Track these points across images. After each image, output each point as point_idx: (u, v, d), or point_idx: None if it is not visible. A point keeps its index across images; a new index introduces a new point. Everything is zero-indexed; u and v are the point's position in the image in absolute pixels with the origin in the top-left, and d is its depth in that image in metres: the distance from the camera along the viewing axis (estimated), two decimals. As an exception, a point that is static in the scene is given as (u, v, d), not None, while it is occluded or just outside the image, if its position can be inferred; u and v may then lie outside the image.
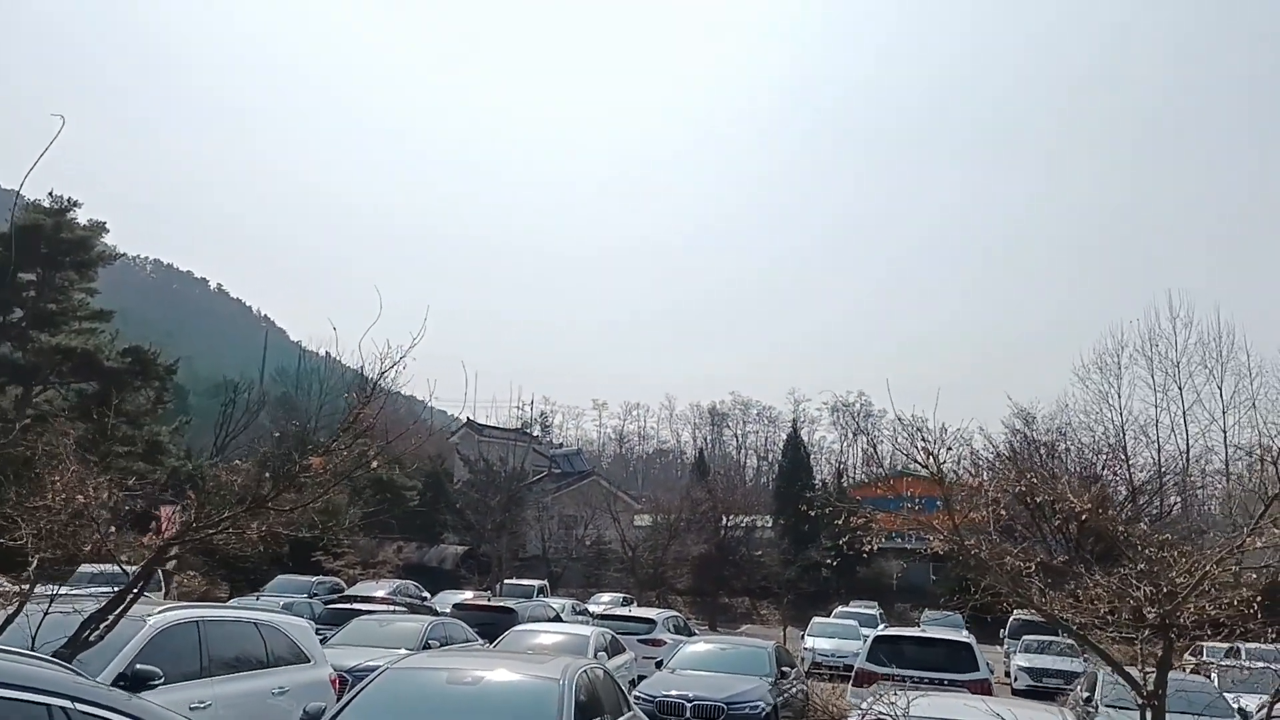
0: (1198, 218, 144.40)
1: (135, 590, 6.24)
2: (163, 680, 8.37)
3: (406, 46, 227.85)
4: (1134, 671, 6.87)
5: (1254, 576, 6.37)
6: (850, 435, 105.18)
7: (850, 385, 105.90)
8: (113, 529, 7.74)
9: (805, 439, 73.81)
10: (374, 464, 6.51)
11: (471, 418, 70.08)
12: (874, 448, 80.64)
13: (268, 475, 6.48)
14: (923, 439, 7.54)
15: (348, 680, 12.26)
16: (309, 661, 10.92)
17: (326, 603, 30.02)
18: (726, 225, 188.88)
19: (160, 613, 9.00)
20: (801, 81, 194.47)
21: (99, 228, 42.47)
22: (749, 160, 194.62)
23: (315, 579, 38.03)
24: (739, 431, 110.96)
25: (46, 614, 6.27)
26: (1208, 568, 6.13)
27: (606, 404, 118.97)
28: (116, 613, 6.40)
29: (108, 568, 24.93)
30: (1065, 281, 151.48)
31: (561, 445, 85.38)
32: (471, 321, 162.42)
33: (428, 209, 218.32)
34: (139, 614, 8.89)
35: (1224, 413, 48.19)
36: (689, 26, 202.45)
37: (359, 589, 35.58)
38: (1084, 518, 7.30)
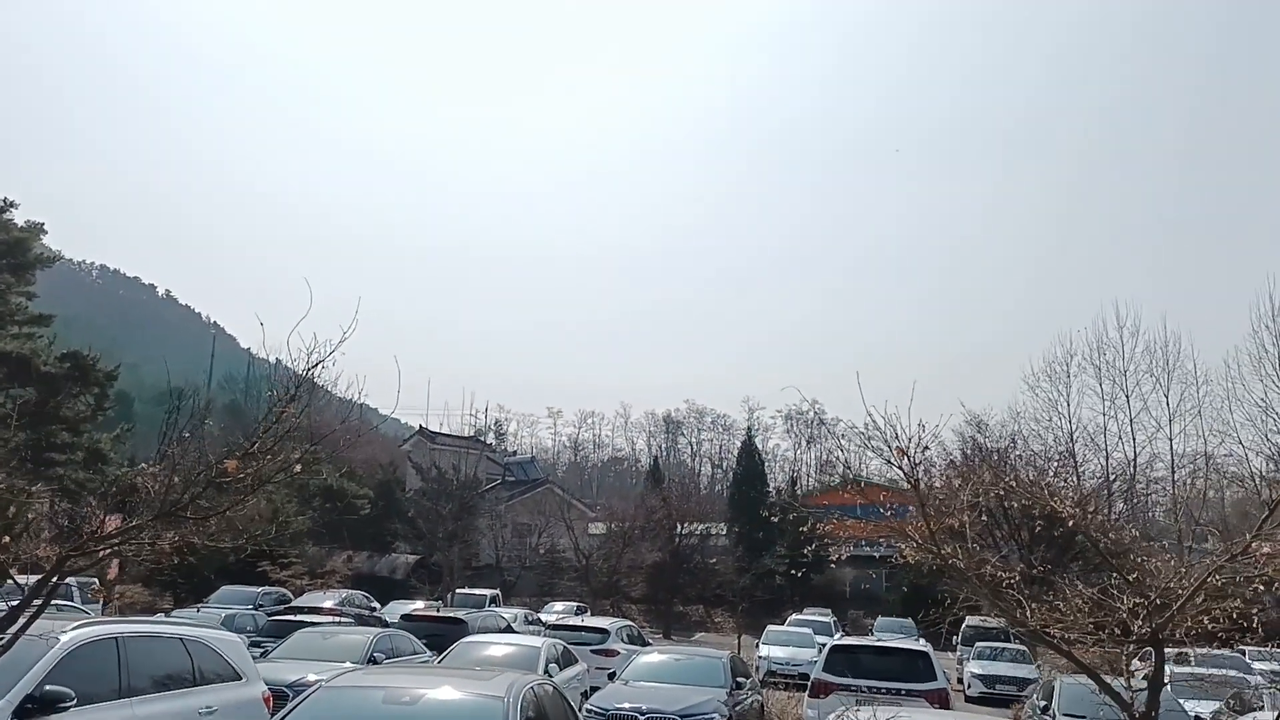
0: (1142, 228, 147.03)
1: (33, 606, 5.67)
2: (75, 702, 7.80)
3: (361, 51, 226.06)
4: (1117, 684, 6.55)
5: (1257, 586, 6.08)
6: (804, 443, 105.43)
7: (806, 394, 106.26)
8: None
9: (760, 447, 73.66)
10: (298, 467, 5.98)
11: (424, 425, 69.22)
12: (843, 451, 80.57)
13: (177, 480, 5.93)
14: (895, 437, 7.14)
15: (288, 695, 11.73)
16: (240, 679, 10.35)
17: (270, 614, 29.24)
18: (683, 234, 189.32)
19: (74, 629, 8.40)
20: (758, 93, 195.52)
21: (37, 229, 41.30)
22: (706, 171, 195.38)
23: (261, 589, 37.09)
24: (693, 439, 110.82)
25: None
26: (1205, 576, 5.83)
27: (561, 412, 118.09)
28: (11, 632, 5.83)
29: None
30: (1016, 292, 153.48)
31: (515, 453, 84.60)
32: (425, 329, 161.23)
33: (383, 217, 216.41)
34: (50, 631, 8.29)
35: (1170, 420, 48.72)
36: (647, 35, 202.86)
37: (306, 599, 34.73)
38: (1070, 522, 6.97)
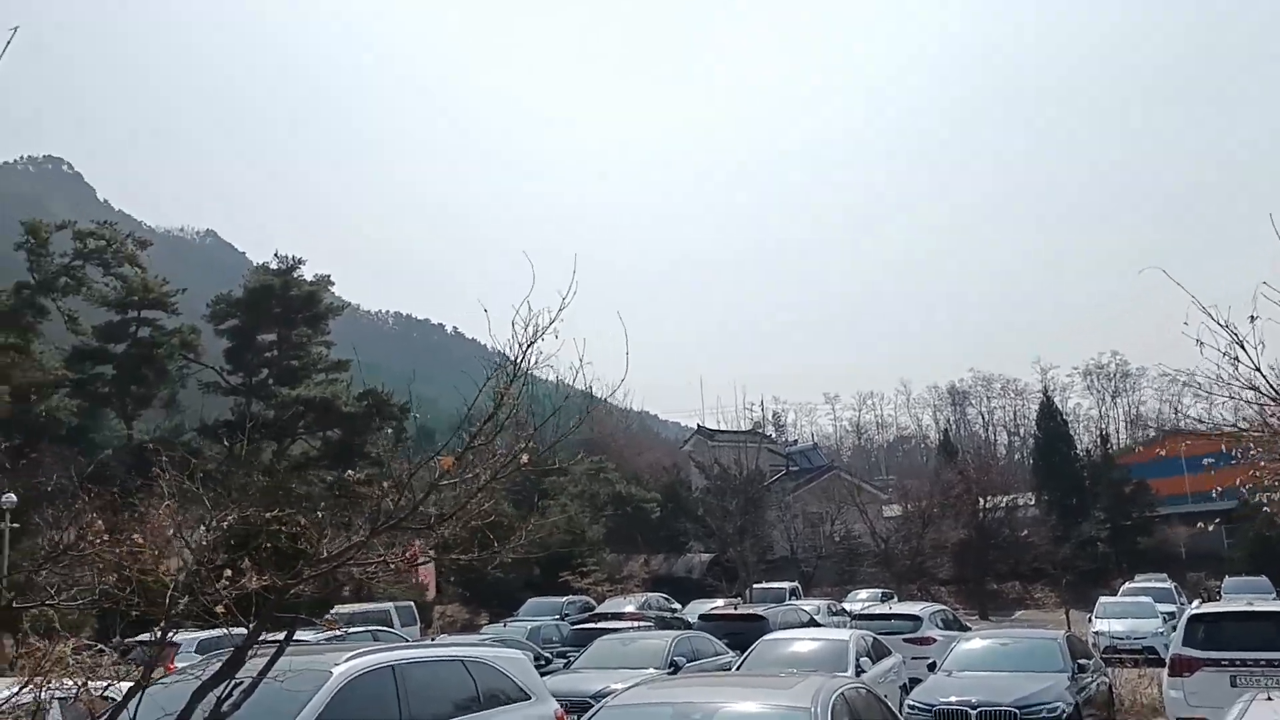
0: None
1: (251, 644, 5.04)
2: (353, 738, 7.29)
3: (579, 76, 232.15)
4: None
5: None
6: (1108, 398, 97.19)
7: (1102, 347, 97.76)
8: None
9: (1060, 407, 68.13)
10: (524, 458, 5.05)
11: (701, 424, 69.13)
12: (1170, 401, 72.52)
13: (387, 484, 5.15)
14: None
15: (591, 705, 11.10)
16: (529, 698, 9.67)
17: (575, 623, 29.44)
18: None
19: (348, 660, 7.94)
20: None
21: (324, 281, 44.36)
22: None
23: (566, 599, 37.74)
24: (984, 409, 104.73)
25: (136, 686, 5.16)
26: None
27: (839, 396, 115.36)
28: (258, 672, 5.24)
29: (364, 607, 25.09)
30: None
31: (796, 442, 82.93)
32: (695, 334, 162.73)
33: (641, 238, 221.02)
34: (323, 664, 7.87)
35: None
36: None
37: (608, 605, 34.93)
38: None
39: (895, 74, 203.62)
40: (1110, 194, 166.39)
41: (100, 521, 4.56)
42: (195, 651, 16.38)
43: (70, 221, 41.81)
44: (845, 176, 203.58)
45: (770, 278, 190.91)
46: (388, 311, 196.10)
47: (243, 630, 6.51)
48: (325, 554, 5.01)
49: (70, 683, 4.76)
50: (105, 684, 5.24)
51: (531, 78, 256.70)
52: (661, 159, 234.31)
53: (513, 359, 5.16)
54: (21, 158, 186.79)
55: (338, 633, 14.76)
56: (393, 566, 5.07)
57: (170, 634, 5.37)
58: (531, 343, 5.12)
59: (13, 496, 26.77)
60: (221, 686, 5.01)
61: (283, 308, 42.36)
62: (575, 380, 5.27)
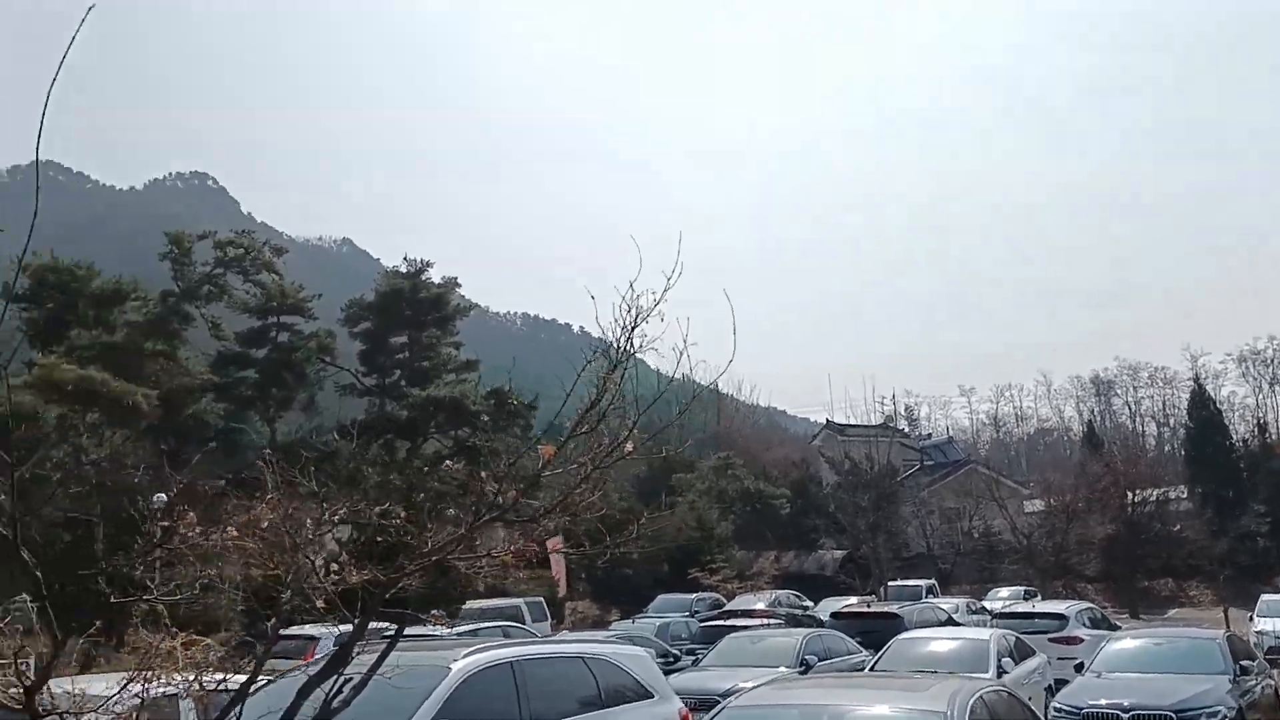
0: None
1: (357, 640, 4.91)
2: (470, 736, 7.15)
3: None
4: None
5: None
6: (1265, 386, 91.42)
7: (1258, 332, 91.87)
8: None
9: (1213, 396, 64.35)
10: (629, 446, 4.79)
11: (831, 419, 67.93)
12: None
13: (485, 475, 4.95)
14: None
15: (720, 703, 10.80)
16: (652, 696, 9.42)
17: (704, 620, 29.16)
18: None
19: (466, 656, 7.84)
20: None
21: (451, 283, 45.21)
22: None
23: (695, 596, 37.48)
24: (1130, 399, 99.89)
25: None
26: None
27: (974, 389, 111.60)
28: (367, 670, 5.13)
29: (495, 602, 25.31)
30: None
31: (930, 436, 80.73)
32: (820, 328, 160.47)
33: (754, 229, 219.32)
34: (441, 659, 7.78)
35: None
36: None
37: (738, 602, 34.54)
38: None
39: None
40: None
41: (192, 514, 4.50)
42: (334, 645, 16.74)
43: (211, 232, 43.69)
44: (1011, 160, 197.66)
45: (901, 261, 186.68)
46: (515, 313, 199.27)
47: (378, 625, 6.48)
48: (428, 547, 4.84)
49: (179, 677, 4.71)
50: (221, 679, 5.20)
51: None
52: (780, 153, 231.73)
53: (615, 343, 4.89)
54: (171, 174, 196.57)
55: (444, 629, 14.74)
56: (497, 560, 4.87)
57: (285, 628, 5.28)
58: (634, 325, 4.85)
59: (163, 496, 27.95)
60: (329, 683, 4.89)
61: (412, 310, 43.37)
62: (680, 365, 4.94)
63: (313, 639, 16.06)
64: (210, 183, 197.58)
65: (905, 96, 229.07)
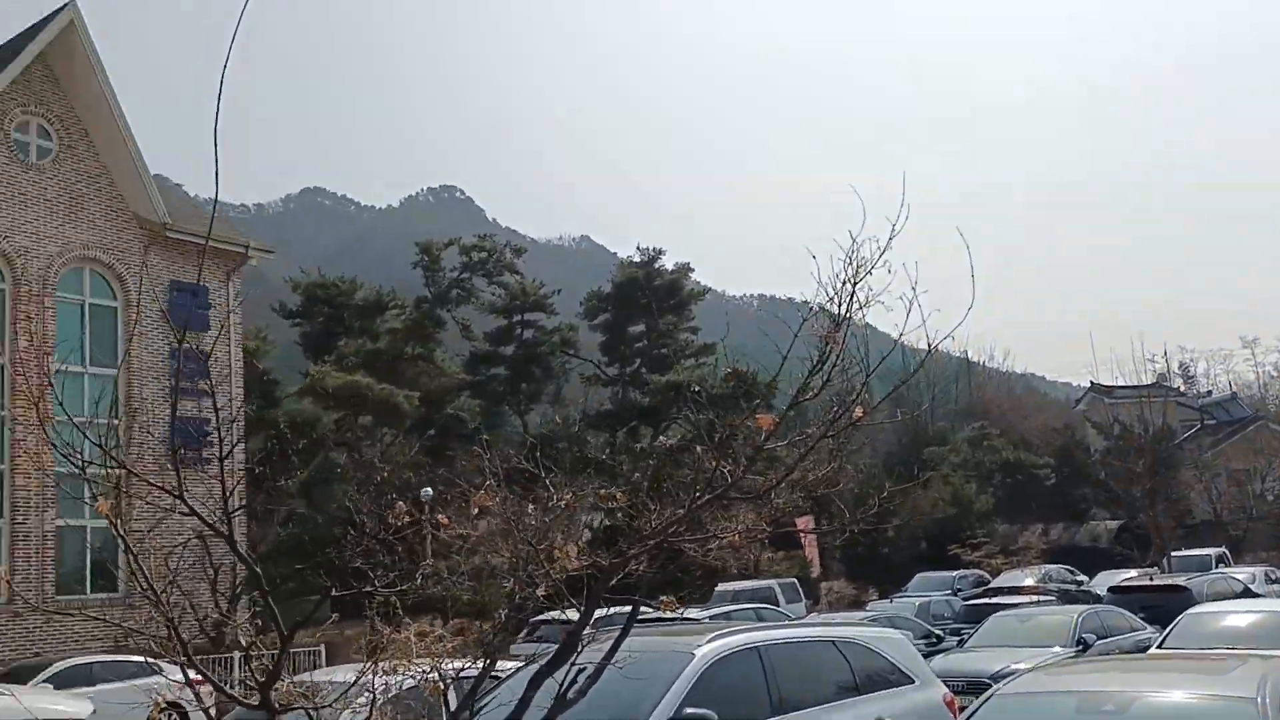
0: None
1: (584, 627, 4.72)
2: (719, 725, 6.87)
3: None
4: None
5: None
6: None
7: None
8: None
9: None
10: (858, 411, 4.34)
11: (1095, 381, 63.57)
12: None
13: (701, 450, 4.62)
14: None
15: (990, 686, 10.10)
16: (912, 682, 8.85)
17: (967, 598, 27.85)
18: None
19: (710, 641, 7.58)
20: None
21: (684, 269, 45.52)
22: None
23: (956, 573, 35.92)
24: None
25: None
26: None
27: (1257, 339, 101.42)
28: (600, 659, 4.95)
29: (748, 584, 25.15)
30: None
31: (1210, 393, 74.06)
32: (1079, 286, 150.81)
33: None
34: (685, 646, 7.56)
35: None
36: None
37: (1004, 578, 32.79)
38: None
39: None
40: None
41: (401, 504, 4.45)
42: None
43: (456, 238, 46.00)
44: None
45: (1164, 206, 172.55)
46: (751, 295, 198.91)
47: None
48: (648, 530, 4.59)
49: (416, 667, 4.69)
50: (460, 667, 5.16)
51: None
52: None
53: (836, 297, 4.45)
54: (423, 189, 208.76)
55: (677, 614, 14.52)
56: (725, 541, 4.55)
57: (517, 615, 5.18)
58: (857, 279, 4.39)
59: (429, 490, 29.55)
60: (562, 672, 4.74)
61: (648, 298, 43.98)
62: (910, 317, 4.42)
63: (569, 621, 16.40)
64: (458, 194, 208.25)
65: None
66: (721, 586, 26.95)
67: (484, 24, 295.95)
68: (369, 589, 4.45)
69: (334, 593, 4.41)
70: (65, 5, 23.77)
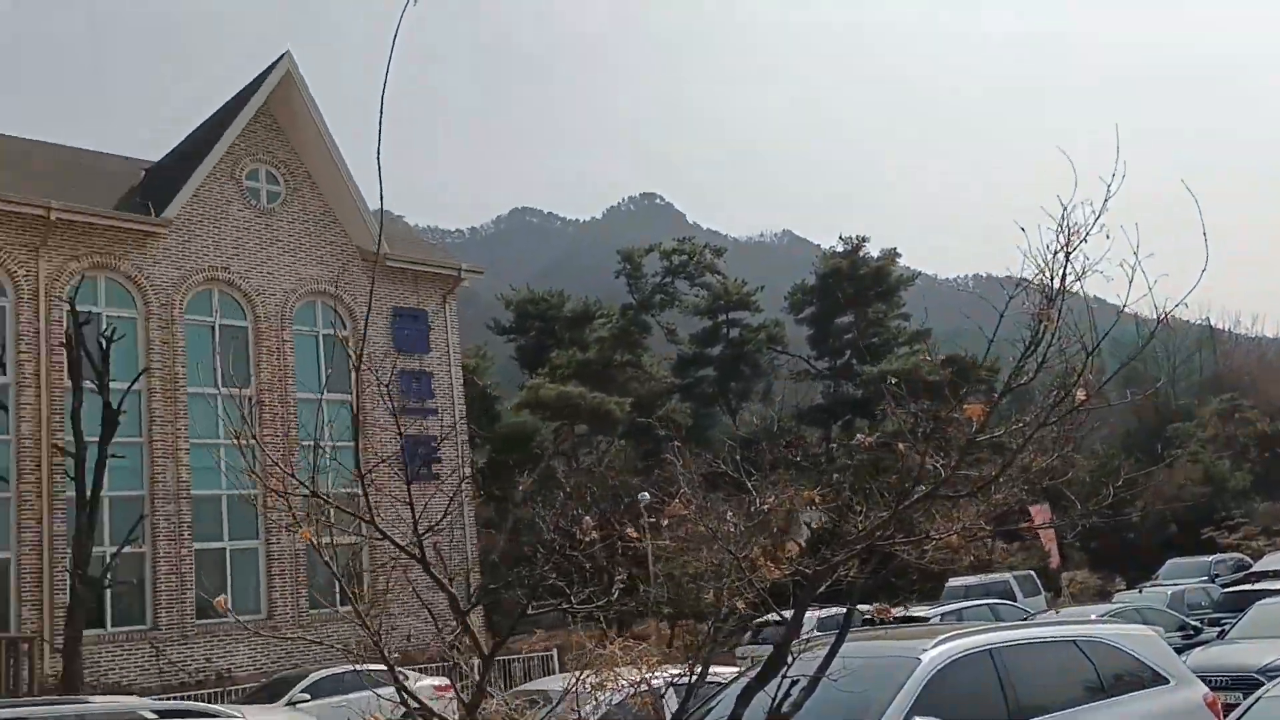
0: None
1: (792, 638, 4.49)
2: (950, 731, 6.49)
3: None
4: None
5: None
6: None
7: None
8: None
9: None
10: (1079, 394, 3.93)
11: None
12: None
13: (903, 447, 4.29)
14: None
15: (1260, 684, 9.17)
16: (1166, 682, 8.10)
17: (1224, 585, 25.64)
18: None
19: (936, 644, 7.15)
20: None
21: (890, 255, 44.23)
22: None
23: (1212, 558, 33.23)
24: None
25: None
26: None
27: None
28: (816, 668, 4.72)
29: (980, 579, 24.09)
30: None
31: None
32: None
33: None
34: (909, 650, 7.18)
35: None
36: None
37: (1267, 562, 30.04)
38: None
39: None
40: None
41: (588, 519, 4.36)
42: (816, 630, 16.71)
43: (657, 244, 46.45)
44: None
45: None
46: (965, 276, 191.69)
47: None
48: (852, 534, 4.32)
49: (624, 680, 4.61)
50: (673, 676, 5.06)
51: None
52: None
53: (1048, 269, 4.04)
54: (624, 199, 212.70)
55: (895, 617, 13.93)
56: (940, 542, 4.23)
57: (723, 623, 5.03)
58: (1070, 248, 3.98)
59: (646, 495, 29.90)
60: (775, 686, 4.53)
61: (854, 287, 43.03)
62: (1133, 285, 3.96)
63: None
64: (658, 200, 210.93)
65: None
66: (952, 582, 25.93)
67: (681, 32, 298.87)
68: (564, 603, 4.40)
69: (532, 609, 4.38)
70: (281, 58, 25.52)
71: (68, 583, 19.19)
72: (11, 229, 21.45)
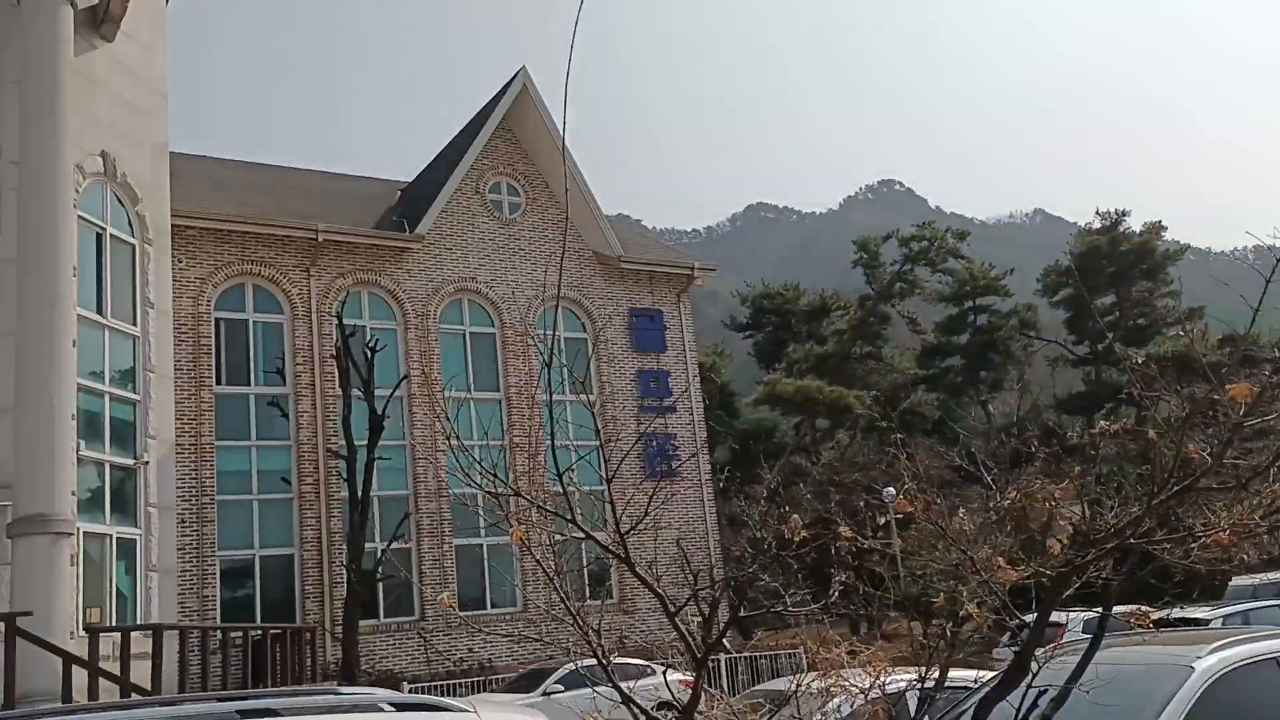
0: None
1: (1035, 645, 4.13)
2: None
3: None
4: None
5: None
6: None
7: None
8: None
9: None
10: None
11: None
12: None
13: (1153, 434, 3.83)
14: None
15: None
16: None
17: None
18: None
19: (1213, 651, 6.43)
20: None
21: (1154, 228, 40.91)
22: None
23: None
24: None
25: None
26: None
27: None
28: (1064, 680, 4.34)
29: (1274, 577, 21.90)
30: None
31: None
32: None
33: None
34: (1181, 658, 6.51)
35: None
36: None
37: None
38: None
39: None
40: None
41: (796, 517, 4.14)
42: (1081, 631, 15.68)
43: (894, 231, 45.03)
44: None
45: None
46: (1244, 248, 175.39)
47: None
48: (1100, 533, 3.92)
49: (852, 682, 4.40)
50: (909, 681, 4.81)
51: None
52: None
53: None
54: (861, 187, 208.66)
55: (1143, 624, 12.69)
56: (1206, 539, 3.76)
57: (958, 626, 4.72)
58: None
59: (892, 490, 29.02)
60: (1018, 697, 4.19)
61: (1114, 266, 40.11)
62: None
63: (1057, 625, 15.21)
64: (897, 186, 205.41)
65: None
66: (1236, 581, 23.64)
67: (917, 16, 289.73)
68: (779, 606, 4.24)
69: (743, 612, 4.24)
70: (517, 74, 26.57)
71: (344, 577, 20.72)
72: (286, 251, 23.42)
